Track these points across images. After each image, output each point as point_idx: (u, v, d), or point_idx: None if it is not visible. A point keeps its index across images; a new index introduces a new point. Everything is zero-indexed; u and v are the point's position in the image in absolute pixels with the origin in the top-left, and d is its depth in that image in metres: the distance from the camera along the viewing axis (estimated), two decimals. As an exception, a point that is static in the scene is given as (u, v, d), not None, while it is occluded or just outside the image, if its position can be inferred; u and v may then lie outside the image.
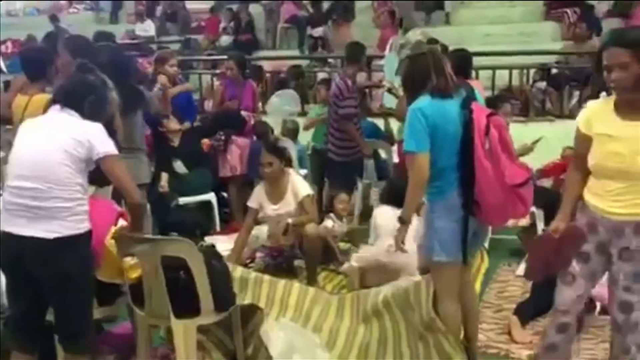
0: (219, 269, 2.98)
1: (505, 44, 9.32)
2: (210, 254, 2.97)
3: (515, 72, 8.15)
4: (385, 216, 4.32)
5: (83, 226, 2.69)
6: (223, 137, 5.68)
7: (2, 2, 13.86)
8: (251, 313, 3.34)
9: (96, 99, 2.84)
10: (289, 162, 4.70)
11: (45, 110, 2.87)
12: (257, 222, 4.74)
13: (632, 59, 2.53)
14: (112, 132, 2.91)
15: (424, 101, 2.97)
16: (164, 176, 5.43)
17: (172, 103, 5.46)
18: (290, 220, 4.47)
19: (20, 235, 2.63)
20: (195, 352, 3.03)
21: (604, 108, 2.71)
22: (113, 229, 2.93)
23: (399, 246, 3.14)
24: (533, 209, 4.59)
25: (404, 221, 3.04)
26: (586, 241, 2.79)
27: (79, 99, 2.78)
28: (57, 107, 2.79)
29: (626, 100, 2.62)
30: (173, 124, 5.67)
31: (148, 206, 4.74)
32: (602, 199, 2.70)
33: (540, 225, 4.79)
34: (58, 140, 2.67)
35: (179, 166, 5.67)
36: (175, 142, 5.72)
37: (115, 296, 3.13)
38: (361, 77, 6.95)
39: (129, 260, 2.92)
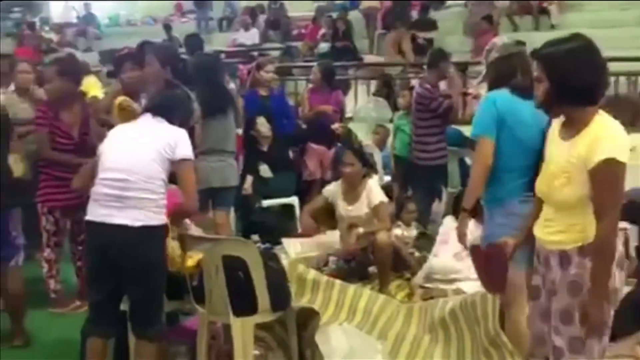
0: (275, 270, 3.07)
1: (614, 49, 8.76)
2: (267, 255, 3.07)
3: (622, 79, 7.67)
4: (445, 226, 4.35)
5: (162, 218, 2.92)
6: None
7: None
8: (311, 316, 3.41)
9: (183, 111, 3.22)
10: (372, 169, 4.75)
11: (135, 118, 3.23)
12: (334, 227, 4.80)
13: (543, 74, 2.30)
14: (191, 139, 3.19)
15: (501, 94, 2.95)
16: (249, 179, 5.61)
17: (267, 108, 5.66)
18: (360, 230, 4.49)
19: (108, 223, 2.86)
20: (252, 348, 3.13)
21: (556, 126, 2.45)
22: None
23: (462, 239, 3.09)
24: (626, 225, 4.30)
25: (464, 209, 2.98)
26: (507, 267, 2.60)
27: (169, 110, 3.10)
28: (148, 115, 3.09)
29: (564, 117, 2.38)
30: (265, 128, 5.83)
31: (232, 208, 4.97)
32: (538, 225, 2.47)
33: (633, 243, 4.48)
34: (151, 140, 2.95)
35: (265, 170, 5.80)
36: (264, 146, 5.89)
37: (182, 291, 3.30)
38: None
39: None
